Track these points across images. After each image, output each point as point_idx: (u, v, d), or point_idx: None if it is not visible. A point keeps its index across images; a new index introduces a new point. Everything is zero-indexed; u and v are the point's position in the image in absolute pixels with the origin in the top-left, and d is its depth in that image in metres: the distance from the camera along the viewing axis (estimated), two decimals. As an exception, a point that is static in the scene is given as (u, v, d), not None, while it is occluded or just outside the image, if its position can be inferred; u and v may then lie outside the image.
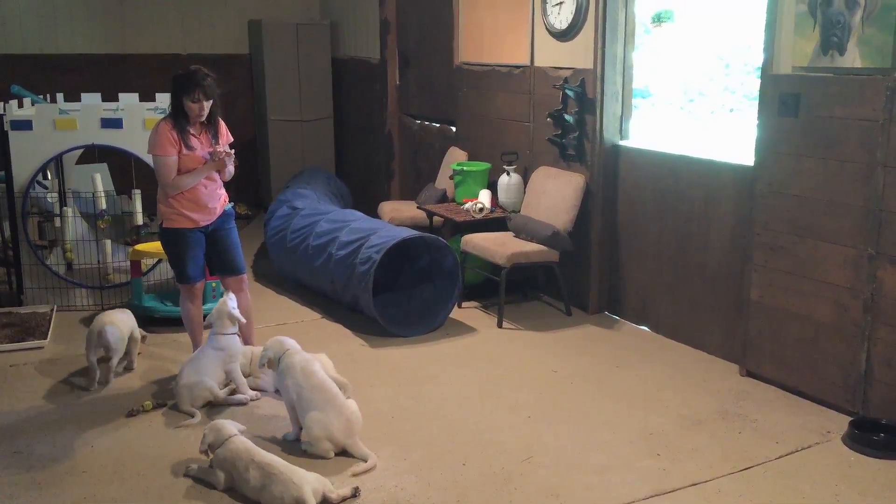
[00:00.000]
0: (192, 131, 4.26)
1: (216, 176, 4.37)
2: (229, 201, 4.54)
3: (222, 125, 4.43)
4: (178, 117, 4.23)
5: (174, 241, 4.35)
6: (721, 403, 4.22)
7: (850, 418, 3.91)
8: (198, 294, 4.48)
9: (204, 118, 4.26)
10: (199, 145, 4.28)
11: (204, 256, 4.46)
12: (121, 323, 4.51)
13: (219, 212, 4.41)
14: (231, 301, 4.24)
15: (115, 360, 4.48)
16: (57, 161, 5.76)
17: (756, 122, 4.34)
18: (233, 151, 4.36)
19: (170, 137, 4.21)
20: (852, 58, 3.83)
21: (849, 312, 3.98)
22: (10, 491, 3.39)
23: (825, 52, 3.94)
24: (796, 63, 4.10)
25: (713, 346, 4.86)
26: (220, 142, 4.36)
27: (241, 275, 4.53)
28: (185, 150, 4.23)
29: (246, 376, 4.32)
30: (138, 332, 4.69)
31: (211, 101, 4.23)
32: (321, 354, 4.37)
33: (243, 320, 4.28)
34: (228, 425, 3.47)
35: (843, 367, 4.03)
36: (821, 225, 4.06)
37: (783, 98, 4.16)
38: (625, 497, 3.36)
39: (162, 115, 5.56)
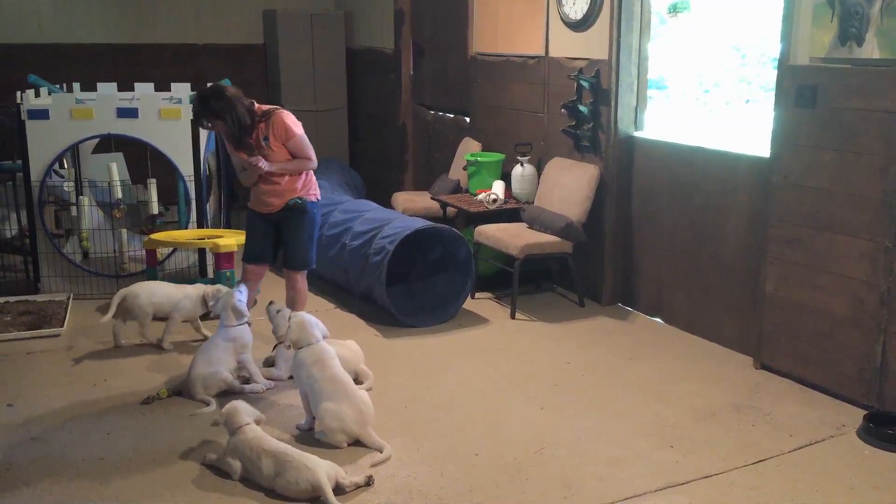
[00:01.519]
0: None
1: (275, 177, 4.36)
2: (239, 193, 4.61)
3: (274, 122, 4.31)
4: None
5: (247, 218, 4.56)
6: (735, 396, 4.21)
7: (865, 412, 3.90)
8: (250, 277, 4.52)
9: (227, 133, 4.25)
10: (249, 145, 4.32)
11: (270, 245, 4.54)
12: (145, 292, 4.79)
13: (278, 206, 4.41)
14: (238, 293, 4.24)
15: (143, 328, 4.81)
16: (73, 150, 5.80)
17: (773, 113, 4.31)
18: (260, 161, 4.26)
19: (228, 140, 4.37)
20: (871, 49, 3.79)
21: (865, 305, 3.95)
22: (26, 477, 3.42)
23: (843, 43, 3.91)
24: (814, 54, 4.07)
25: (727, 339, 4.85)
26: (270, 141, 4.30)
27: (291, 270, 4.50)
28: (238, 151, 4.34)
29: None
30: (176, 313, 4.80)
31: (220, 121, 4.19)
32: (350, 341, 4.39)
33: (247, 314, 4.27)
34: (243, 412, 3.46)
35: (858, 360, 4.01)
36: (837, 217, 4.03)
37: (800, 89, 4.13)
38: (637, 489, 3.36)
39: (177, 105, 5.62)
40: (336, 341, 4.27)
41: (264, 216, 4.47)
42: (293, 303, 4.52)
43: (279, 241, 4.53)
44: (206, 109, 4.20)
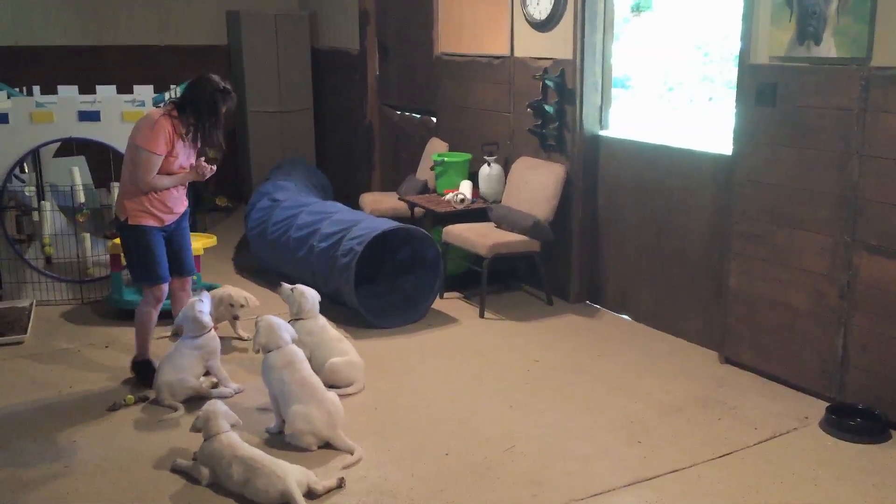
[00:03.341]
0: (184, 136, 4.16)
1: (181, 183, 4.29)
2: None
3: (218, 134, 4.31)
4: (206, 123, 4.12)
5: (141, 239, 4.18)
6: (701, 390, 4.27)
7: (828, 404, 3.97)
8: (164, 296, 4.34)
9: (219, 128, 4.21)
10: (184, 150, 4.20)
11: None
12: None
13: (180, 214, 4.35)
14: (199, 304, 4.18)
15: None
16: (34, 154, 5.71)
17: (734, 111, 4.37)
18: (213, 167, 4.30)
19: (167, 136, 4.07)
20: (828, 48, 3.86)
21: (825, 299, 4.03)
22: (-9, 487, 3.38)
23: (801, 41, 3.98)
24: (773, 53, 4.13)
25: (693, 334, 4.91)
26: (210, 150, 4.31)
27: (190, 275, 4.49)
28: (173, 154, 4.13)
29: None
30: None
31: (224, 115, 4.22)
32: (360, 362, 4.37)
33: (210, 324, 4.21)
34: (221, 418, 3.41)
35: (820, 353, 4.09)
36: (798, 213, 4.11)
37: (760, 88, 4.19)
38: (606, 484, 3.39)
39: (140, 107, 5.55)
40: (352, 350, 4.35)
41: (162, 229, 4.25)
42: None
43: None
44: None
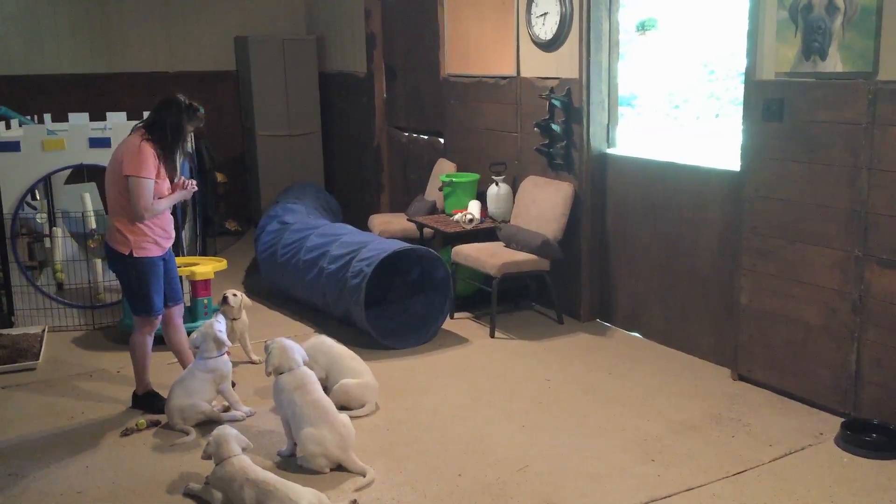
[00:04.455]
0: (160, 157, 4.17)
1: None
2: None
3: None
4: (170, 142, 4.15)
5: (146, 270, 4.14)
6: (714, 408, 4.24)
7: (842, 420, 3.94)
8: (157, 325, 4.34)
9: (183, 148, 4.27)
10: (165, 171, 4.21)
11: None
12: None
13: (174, 237, 4.37)
14: (218, 324, 4.20)
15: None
16: (45, 181, 5.76)
17: (741, 127, 4.38)
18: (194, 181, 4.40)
19: (154, 160, 4.09)
20: (834, 62, 3.87)
21: (837, 314, 4.01)
22: (4, 514, 3.38)
23: (807, 57, 3.99)
24: (779, 69, 4.15)
25: (704, 351, 4.89)
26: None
27: (180, 303, 4.44)
28: (160, 176, 4.14)
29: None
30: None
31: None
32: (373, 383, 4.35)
33: (229, 344, 4.23)
34: (232, 442, 3.41)
35: (833, 368, 4.06)
36: (808, 228, 4.10)
37: (767, 103, 4.20)
38: (620, 503, 3.38)
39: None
40: (367, 370, 4.32)
41: (161, 256, 4.23)
42: (185, 341, 4.42)
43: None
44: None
